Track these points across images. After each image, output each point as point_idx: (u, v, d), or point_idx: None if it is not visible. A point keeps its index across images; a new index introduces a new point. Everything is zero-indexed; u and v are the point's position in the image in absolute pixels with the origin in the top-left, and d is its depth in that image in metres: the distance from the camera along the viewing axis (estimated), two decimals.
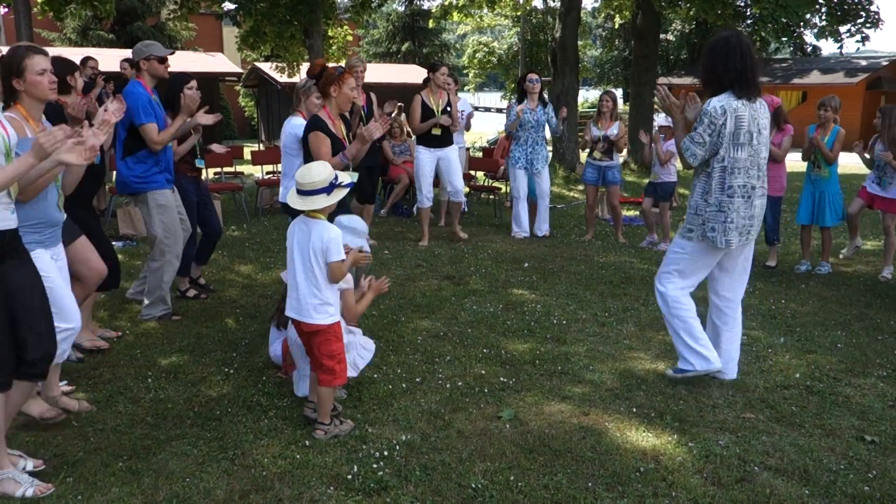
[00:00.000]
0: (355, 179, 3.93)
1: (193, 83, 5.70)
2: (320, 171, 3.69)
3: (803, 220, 7.44)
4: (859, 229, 7.69)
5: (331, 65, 5.05)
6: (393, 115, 7.87)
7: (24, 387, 3.29)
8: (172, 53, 5.61)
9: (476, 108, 33.78)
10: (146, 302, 5.65)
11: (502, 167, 11.06)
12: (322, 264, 3.66)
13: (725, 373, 4.58)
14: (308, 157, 4.84)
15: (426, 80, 8.36)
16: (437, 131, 8.21)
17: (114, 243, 8.18)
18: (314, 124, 4.78)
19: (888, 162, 6.93)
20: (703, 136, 4.17)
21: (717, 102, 4.15)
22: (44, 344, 3.21)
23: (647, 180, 9.13)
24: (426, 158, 8.31)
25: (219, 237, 6.42)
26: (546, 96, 9.08)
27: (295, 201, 3.69)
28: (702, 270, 4.47)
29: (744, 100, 4.15)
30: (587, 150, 8.83)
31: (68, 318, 3.65)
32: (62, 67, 4.44)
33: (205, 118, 5.63)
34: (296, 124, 5.41)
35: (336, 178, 3.71)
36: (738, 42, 4.16)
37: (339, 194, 3.70)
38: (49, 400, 3.93)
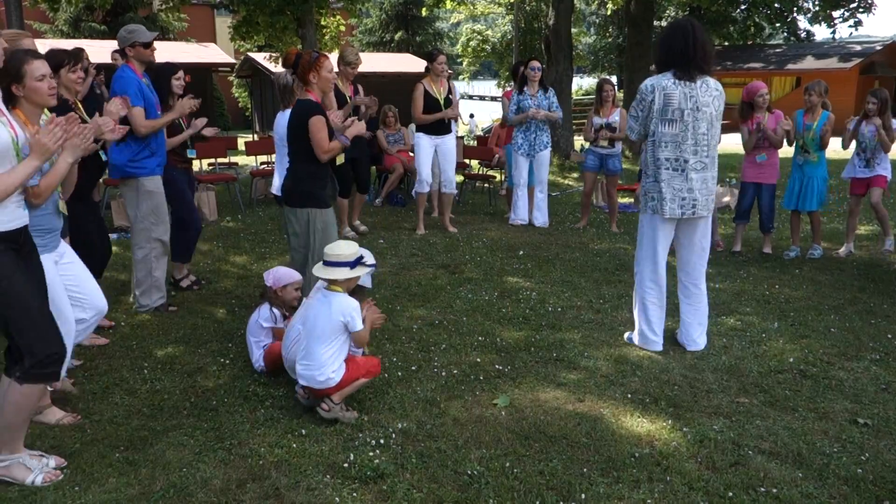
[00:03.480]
0: (374, 266, 4.15)
1: (180, 73, 5.67)
2: (347, 246, 3.91)
3: (789, 206, 7.45)
4: (855, 231, 7.68)
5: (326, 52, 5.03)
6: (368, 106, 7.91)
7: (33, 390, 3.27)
8: (157, 37, 5.58)
9: (470, 97, 33.75)
10: (137, 292, 5.64)
11: (497, 155, 11.06)
12: (346, 335, 3.84)
13: (688, 345, 4.87)
14: (298, 144, 4.78)
15: (427, 70, 8.35)
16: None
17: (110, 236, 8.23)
18: (314, 109, 4.69)
19: (881, 137, 6.96)
20: (636, 111, 4.61)
21: (648, 81, 4.57)
22: (48, 345, 3.18)
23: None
24: (426, 144, 8.32)
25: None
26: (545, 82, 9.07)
27: (319, 271, 3.91)
28: (659, 241, 4.73)
29: (685, 80, 4.46)
30: (592, 140, 8.79)
31: (66, 320, 3.61)
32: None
33: (198, 122, 5.68)
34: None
35: (361, 256, 3.92)
36: (684, 27, 4.50)
37: (361, 270, 3.90)
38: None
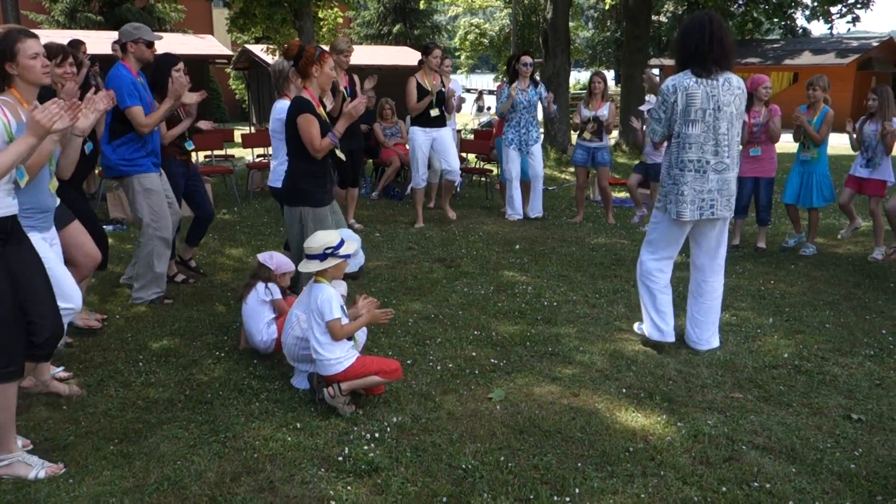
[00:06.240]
0: (354, 253, 4.09)
1: (181, 65, 5.65)
2: (318, 238, 3.91)
3: (789, 200, 7.45)
4: (856, 212, 7.68)
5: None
6: (371, 88, 8.00)
7: (26, 368, 3.30)
8: (160, 39, 5.57)
9: (468, 91, 33.72)
10: (136, 286, 5.64)
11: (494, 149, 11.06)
12: (322, 324, 3.82)
13: (695, 344, 4.77)
14: (293, 141, 4.77)
15: (420, 63, 8.34)
16: (434, 112, 8.21)
17: (104, 227, 8.21)
18: (301, 106, 4.70)
19: (887, 135, 6.92)
20: (658, 113, 4.48)
21: (669, 81, 4.42)
22: (51, 324, 3.25)
23: (637, 161, 9.14)
24: (422, 139, 8.31)
25: (210, 220, 6.39)
26: (538, 76, 9.06)
27: (302, 264, 3.97)
28: (671, 242, 4.66)
29: (703, 78, 4.33)
30: (579, 132, 8.81)
31: (69, 297, 3.72)
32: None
33: (188, 96, 5.60)
34: (283, 108, 5.38)
35: (335, 247, 3.89)
36: (701, 21, 4.36)
37: (330, 262, 3.90)
38: (40, 384, 3.93)
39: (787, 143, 7.52)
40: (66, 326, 3.84)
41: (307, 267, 3.91)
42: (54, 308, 3.29)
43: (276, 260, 4.71)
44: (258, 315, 4.57)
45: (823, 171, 7.26)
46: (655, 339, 4.76)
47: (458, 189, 10.41)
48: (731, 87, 4.40)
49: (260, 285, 4.62)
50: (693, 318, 4.79)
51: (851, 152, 7.54)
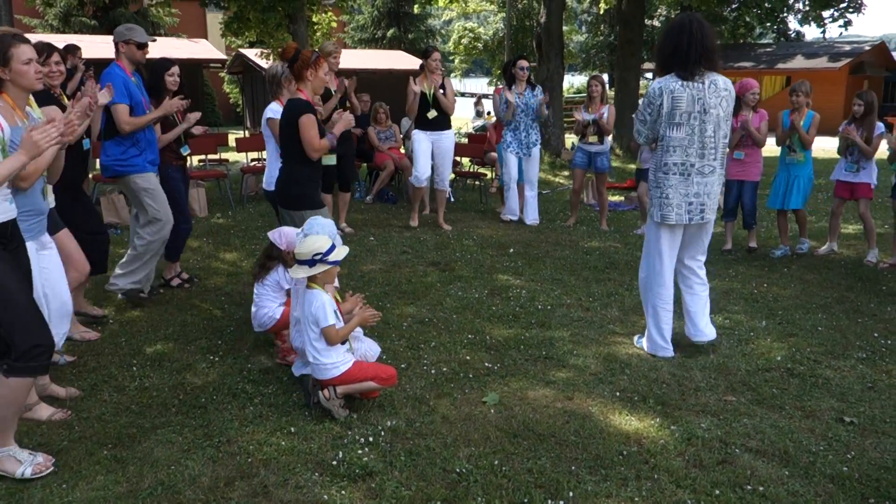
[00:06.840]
0: (343, 255, 4.05)
1: (175, 69, 5.65)
2: (308, 244, 3.88)
3: (774, 205, 7.48)
4: (838, 231, 7.71)
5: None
6: (354, 90, 7.99)
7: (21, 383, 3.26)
8: (154, 41, 5.57)
9: (462, 94, 33.66)
10: (118, 271, 5.59)
11: (490, 152, 11.07)
12: (317, 330, 3.83)
13: (694, 336, 4.81)
14: (290, 144, 4.76)
15: (422, 67, 8.39)
16: (431, 114, 8.23)
17: None
18: (302, 107, 4.67)
19: (852, 138, 7.01)
20: (644, 115, 4.49)
21: (655, 84, 4.44)
22: (38, 336, 3.19)
23: (631, 165, 9.17)
24: (423, 138, 8.38)
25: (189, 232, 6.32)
26: (533, 79, 9.10)
27: (292, 269, 4.00)
28: (665, 248, 4.65)
29: (690, 81, 4.33)
30: (579, 136, 8.82)
31: (63, 305, 3.68)
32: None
33: (192, 117, 5.67)
34: (276, 111, 5.38)
35: (324, 252, 3.86)
36: (682, 25, 4.36)
37: (319, 268, 3.87)
38: (38, 388, 3.92)
39: (774, 148, 7.55)
40: (65, 335, 3.85)
41: (297, 272, 3.91)
42: (40, 321, 3.24)
43: (284, 239, 4.67)
44: (272, 294, 4.63)
45: (808, 173, 7.31)
46: (652, 353, 4.76)
47: (451, 199, 10.43)
48: (717, 88, 4.40)
49: (280, 269, 4.64)
50: (688, 313, 4.83)
51: (836, 156, 7.57)
